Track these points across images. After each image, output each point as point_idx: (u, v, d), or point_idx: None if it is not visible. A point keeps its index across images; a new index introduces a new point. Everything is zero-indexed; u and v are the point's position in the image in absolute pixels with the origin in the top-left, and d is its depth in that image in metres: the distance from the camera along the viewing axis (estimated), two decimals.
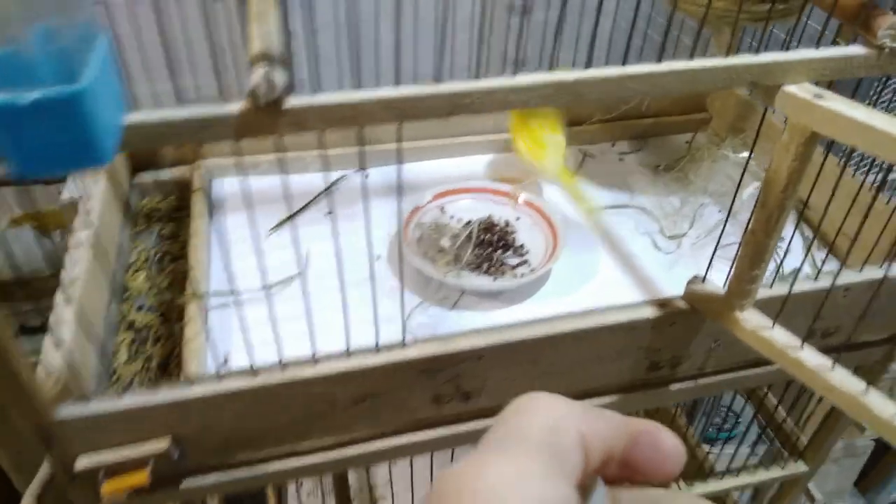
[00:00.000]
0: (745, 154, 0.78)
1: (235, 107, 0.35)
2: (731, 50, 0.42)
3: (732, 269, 0.52)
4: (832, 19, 0.46)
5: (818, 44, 0.43)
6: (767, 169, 0.46)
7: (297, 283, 0.68)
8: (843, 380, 0.45)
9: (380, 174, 0.84)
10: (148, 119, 0.34)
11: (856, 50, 0.43)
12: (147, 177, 0.79)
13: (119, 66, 0.31)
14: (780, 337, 0.50)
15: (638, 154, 0.90)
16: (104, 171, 0.70)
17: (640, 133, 0.93)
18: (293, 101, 0.36)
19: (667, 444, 0.22)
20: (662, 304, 0.58)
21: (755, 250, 0.49)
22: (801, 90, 0.42)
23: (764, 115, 0.55)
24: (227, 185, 0.80)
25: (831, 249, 0.71)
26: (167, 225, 0.76)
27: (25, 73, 0.26)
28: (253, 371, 0.50)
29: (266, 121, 0.35)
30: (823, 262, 0.66)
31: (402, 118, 0.38)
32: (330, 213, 0.77)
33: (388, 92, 0.37)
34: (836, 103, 0.41)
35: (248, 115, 0.35)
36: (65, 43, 0.27)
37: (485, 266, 0.69)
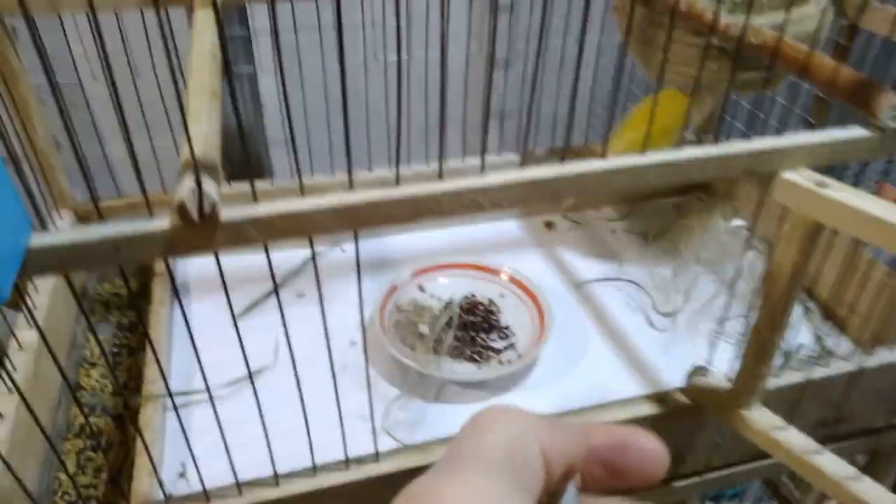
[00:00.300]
0: (738, 222, 0.74)
1: (162, 223, 0.31)
2: (713, 118, 0.38)
3: (738, 364, 0.47)
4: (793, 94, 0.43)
5: (776, 123, 0.39)
6: (769, 264, 0.42)
7: (267, 375, 0.63)
8: (872, 493, 0.40)
9: (361, 248, 0.80)
10: (58, 241, 0.29)
11: (857, 133, 0.39)
12: None
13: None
14: (796, 440, 0.45)
15: (624, 220, 0.87)
16: None
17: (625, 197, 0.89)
18: (230, 214, 0.31)
19: (651, 449, 0.24)
20: (662, 398, 0.53)
21: (761, 347, 0.45)
22: (801, 177, 0.38)
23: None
24: (194, 266, 0.76)
25: (830, 318, 0.67)
26: (127, 313, 0.71)
27: None
28: (206, 497, 0.44)
29: (198, 237, 0.31)
30: (822, 337, 0.61)
31: (358, 226, 0.33)
32: (302, 295, 0.72)
33: (340, 199, 0.32)
34: (842, 193, 0.37)
35: (177, 232, 0.30)
36: None
37: (467, 351, 0.64)
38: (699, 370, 0.53)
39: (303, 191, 0.33)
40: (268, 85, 0.96)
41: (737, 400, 0.48)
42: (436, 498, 0.20)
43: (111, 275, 0.74)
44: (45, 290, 0.62)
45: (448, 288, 0.72)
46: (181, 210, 0.30)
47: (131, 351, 0.67)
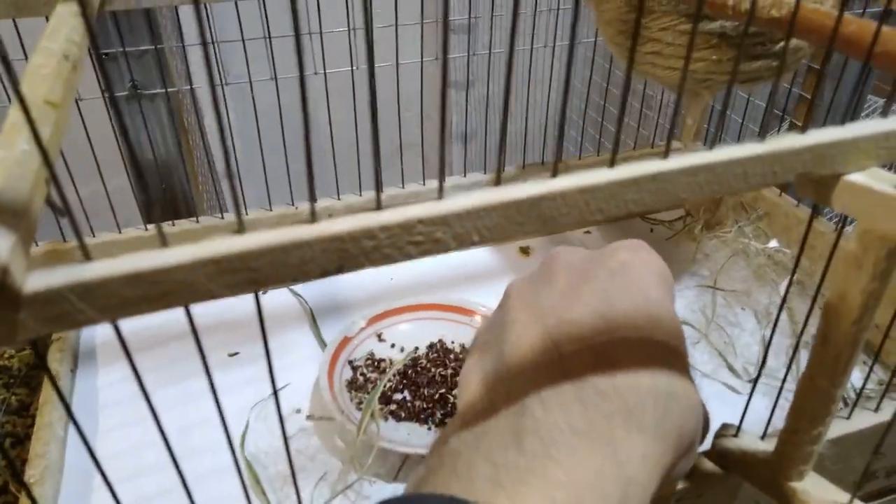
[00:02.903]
0: (774, 243, 0.64)
1: None
2: (720, 120, 0.28)
3: (784, 424, 0.37)
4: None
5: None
6: (829, 293, 0.31)
7: (193, 457, 0.50)
8: None
9: (305, 291, 0.68)
10: None
11: None
12: None
13: None
14: None
15: (609, 240, 0.77)
16: None
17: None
18: (40, 281, 0.19)
19: None
20: None
21: (817, 402, 0.34)
22: (872, 180, 0.28)
23: (813, 217, 0.41)
24: (102, 328, 0.63)
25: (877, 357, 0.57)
26: (18, 391, 0.58)
27: None
28: None
29: None
30: (867, 376, 0.51)
31: (256, 286, 0.22)
32: (235, 354, 0.60)
33: (223, 245, 0.21)
34: None
35: None
36: None
37: (438, 414, 0.53)
38: (727, 428, 0.42)
39: (242, 228, 0.21)
40: (209, 108, 0.85)
41: (782, 469, 0.38)
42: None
43: None
44: None
45: (411, 335, 0.60)
46: None
47: (18, 441, 0.53)
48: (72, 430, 0.52)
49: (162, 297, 0.21)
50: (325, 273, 0.23)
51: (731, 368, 0.58)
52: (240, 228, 0.22)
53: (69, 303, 0.20)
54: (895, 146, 0.29)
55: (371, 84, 0.22)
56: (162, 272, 0.20)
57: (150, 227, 0.64)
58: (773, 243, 0.63)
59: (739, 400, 0.55)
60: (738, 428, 0.41)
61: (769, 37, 0.50)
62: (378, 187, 0.23)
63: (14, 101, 0.27)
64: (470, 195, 0.23)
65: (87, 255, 0.21)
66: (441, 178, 0.23)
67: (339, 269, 0.23)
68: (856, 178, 0.29)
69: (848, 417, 0.44)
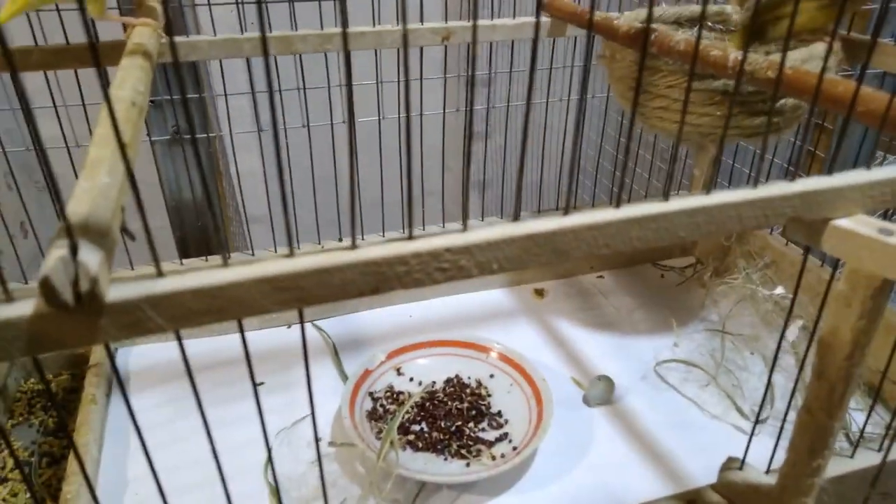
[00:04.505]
0: (780, 290, 0.66)
1: (23, 308, 0.22)
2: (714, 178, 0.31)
3: (786, 457, 0.38)
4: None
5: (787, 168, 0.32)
6: (822, 330, 0.34)
7: (216, 485, 0.52)
8: None
9: (328, 326, 0.71)
10: None
11: None
12: None
13: None
14: None
15: (620, 285, 0.79)
16: None
17: (623, 261, 0.82)
18: (120, 293, 0.23)
19: None
20: (691, 499, 0.43)
21: (815, 435, 0.36)
22: (858, 225, 0.31)
23: (805, 257, 0.44)
24: (136, 356, 0.66)
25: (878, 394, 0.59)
26: (53, 414, 0.61)
27: None
28: None
29: (74, 325, 0.22)
30: (868, 416, 0.52)
31: (302, 303, 0.25)
32: (261, 384, 0.62)
33: (275, 266, 0.24)
34: None
35: (42, 320, 0.22)
36: None
37: (454, 446, 0.55)
38: (732, 462, 0.44)
39: (293, 253, 0.24)
40: (243, 156, 0.90)
41: (784, 501, 0.39)
42: None
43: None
44: None
45: (429, 370, 0.63)
46: (46, 288, 0.21)
47: (54, 460, 0.56)
48: (106, 450, 0.55)
49: (221, 310, 0.24)
50: (362, 293, 0.26)
51: (739, 410, 0.59)
52: (291, 253, 0.25)
53: (143, 312, 0.23)
54: (879, 195, 0.31)
55: (408, 131, 0.25)
56: (222, 288, 0.24)
57: (186, 261, 0.67)
58: (780, 290, 0.65)
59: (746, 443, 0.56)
60: (742, 461, 0.43)
61: (770, 95, 0.53)
62: (410, 220, 0.27)
63: (93, 139, 0.31)
64: (492, 228, 0.27)
65: (159, 272, 0.24)
66: (465, 213, 0.26)
67: (375, 291, 0.26)
68: (843, 223, 0.31)
69: (851, 456, 0.46)
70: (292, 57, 0.67)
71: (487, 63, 1.13)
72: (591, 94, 0.84)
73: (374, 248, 0.25)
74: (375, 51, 0.65)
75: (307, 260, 0.24)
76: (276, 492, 0.51)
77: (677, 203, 0.29)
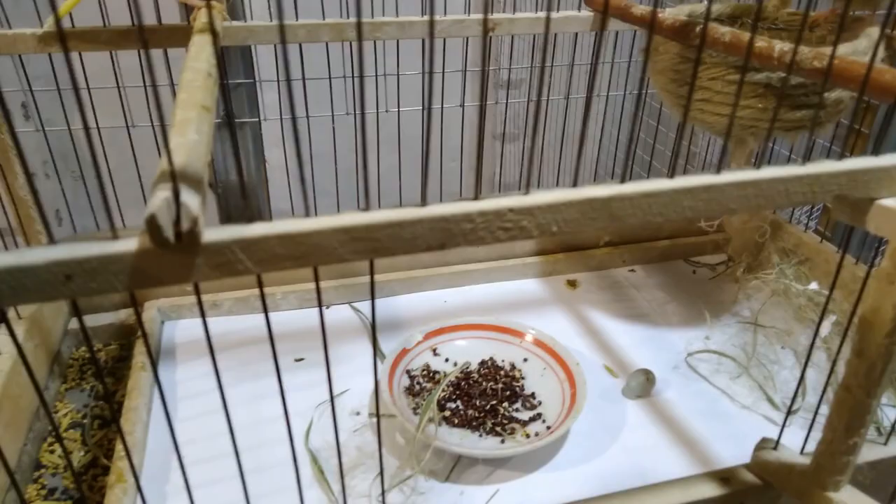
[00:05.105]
0: (814, 286, 0.66)
1: (127, 244, 0.24)
2: (759, 162, 0.32)
3: (822, 435, 0.39)
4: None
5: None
6: (863, 308, 0.35)
7: (260, 451, 0.54)
8: None
9: (367, 309, 0.73)
10: None
11: None
12: (85, 321, 0.67)
13: None
14: None
15: (652, 279, 0.80)
16: (25, 314, 0.58)
17: (654, 257, 0.83)
18: (214, 235, 0.25)
19: None
20: (725, 477, 0.44)
21: (853, 412, 0.37)
22: None
23: (842, 256, 0.44)
24: (182, 329, 0.68)
25: None
26: (106, 379, 0.63)
27: None
28: None
29: (173, 263, 0.24)
30: None
31: (375, 254, 0.27)
32: (300, 360, 0.64)
33: (353, 218, 0.26)
34: None
35: (145, 256, 0.24)
36: None
37: (489, 423, 0.56)
38: (767, 442, 0.45)
39: (368, 207, 0.26)
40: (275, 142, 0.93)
41: (820, 480, 0.40)
42: None
43: (91, 336, 0.66)
44: (8, 352, 0.54)
45: (464, 351, 0.64)
46: (152, 225, 0.23)
47: (105, 423, 0.58)
48: (154, 415, 0.57)
49: (303, 256, 0.26)
50: (430, 247, 0.27)
51: (770, 401, 0.60)
52: (367, 207, 0.27)
53: (234, 254, 0.25)
54: None
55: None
56: (307, 234, 0.26)
57: None
58: (814, 285, 0.66)
59: (778, 431, 0.57)
60: (777, 442, 0.44)
61: (812, 88, 0.54)
62: (478, 177, 0.28)
63: (177, 103, 0.33)
64: (553, 192, 0.28)
65: (251, 219, 0.26)
66: (527, 180, 0.28)
67: (442, 246, 0.28)
68: (888, 202, 0.33)
69: (885, 443, 0.46)
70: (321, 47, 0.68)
71: (519, 61, 1.15)
72: (630, 89, 0.85)
73: (443, 206, 0.27)
74: (423, 41, 0.67)
75: (381, 213, 0.26)
76: (315, 459, 0.53)
77: (728, 176, 0.30)
